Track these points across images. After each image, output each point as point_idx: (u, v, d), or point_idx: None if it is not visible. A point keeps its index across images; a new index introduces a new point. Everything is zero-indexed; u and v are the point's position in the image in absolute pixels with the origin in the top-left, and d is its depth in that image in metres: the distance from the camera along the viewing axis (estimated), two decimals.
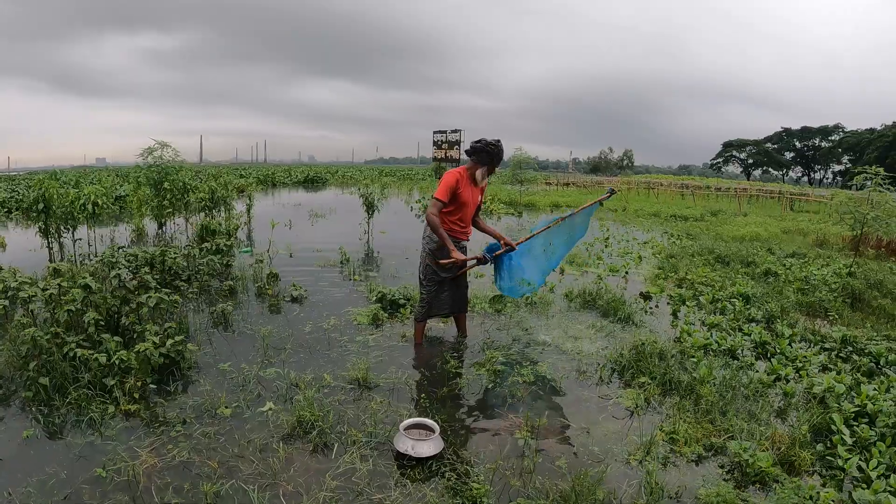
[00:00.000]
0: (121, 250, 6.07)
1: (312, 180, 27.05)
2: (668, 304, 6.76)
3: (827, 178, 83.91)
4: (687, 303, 6.59)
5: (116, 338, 3.81)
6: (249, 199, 13.14)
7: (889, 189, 7.17)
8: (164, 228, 9.73)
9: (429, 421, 3.25)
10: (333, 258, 8.30)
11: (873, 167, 7.26)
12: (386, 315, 5.52)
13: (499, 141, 4.39)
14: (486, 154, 4.38)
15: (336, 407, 3.56)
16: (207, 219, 9.33)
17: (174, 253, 6.14)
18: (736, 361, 4.72)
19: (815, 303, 6.67)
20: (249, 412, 3.45)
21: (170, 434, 3.19)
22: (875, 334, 5.55)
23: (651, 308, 6.49)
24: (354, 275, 7.34)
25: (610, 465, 3.15)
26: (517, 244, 4.63)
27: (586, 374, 4.38)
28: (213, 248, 6.99)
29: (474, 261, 4.58)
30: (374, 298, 5.95)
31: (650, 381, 4.15)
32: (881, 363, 4.82)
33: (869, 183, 7.25)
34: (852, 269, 7.85)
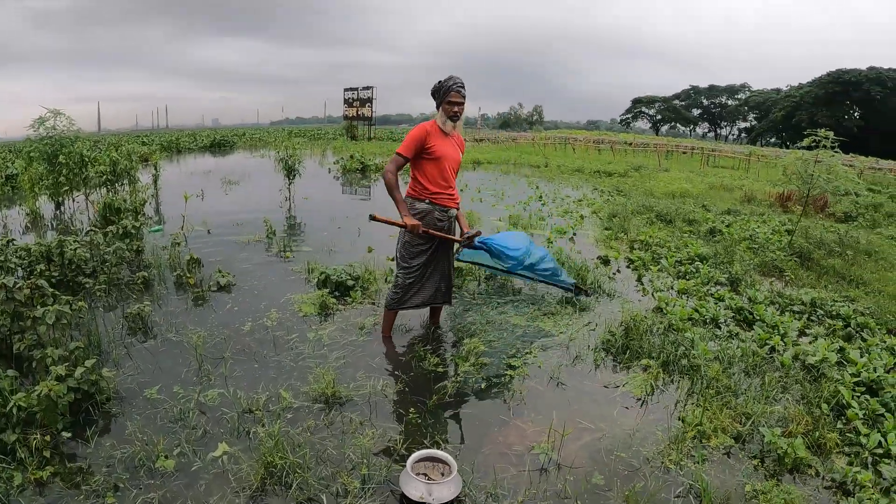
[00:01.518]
0: (11, 244, 4.81)
1: (219, 144, 25.08)
2: (628, 267, 6.56)
3: (733, 135, 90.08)
4: (650, 267, 6.41)
5: (11, 371, 2.87)
6: (155, 168, 11.58)
7: (837, 151, 7.44)
8: (62, 209, 8.28)
9: (440, 454, 2.65)
10: (257, 231, 7.34)
11: (823, 130, 7.52)
12: (334, 301, 4.81)
13: (449, 77, 3.76)
14: (435, 94, 3.76)
15: (309, 440, 2.87)
16: (110, 195, 7.99)
17: (74, 242, 4.99)
18: (719, 331, 4.54)
19: (768, 262, 6.76)
20: (198, 461, 2.66)
21: None
22: (836, 296, 5.62)
23: (614, 274, 6.23)
24: (286, 251, 6.49)
25: (647, 472, 2.75)
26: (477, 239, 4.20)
27: (581, 360, 3.96)
28: (120, 231, 5.86)
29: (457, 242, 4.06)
30: (317, 281, 5.20)
31: (651, 363, 3.81)
32: (851, 325, 4.87)
33: (819, 145, 7.52)
34: (796, 228, 8.09)
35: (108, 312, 4.40)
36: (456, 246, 4.24)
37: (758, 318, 4.85)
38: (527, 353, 4.00)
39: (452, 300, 4.32)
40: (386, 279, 5.45)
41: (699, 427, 3.07)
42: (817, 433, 3.05)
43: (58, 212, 8.13)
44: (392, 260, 5.79)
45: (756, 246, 7.60)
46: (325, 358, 3.77)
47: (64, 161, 8.10)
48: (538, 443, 2.91)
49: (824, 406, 3.33)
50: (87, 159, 8.49)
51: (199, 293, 4.89)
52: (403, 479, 2.44)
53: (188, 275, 5.16)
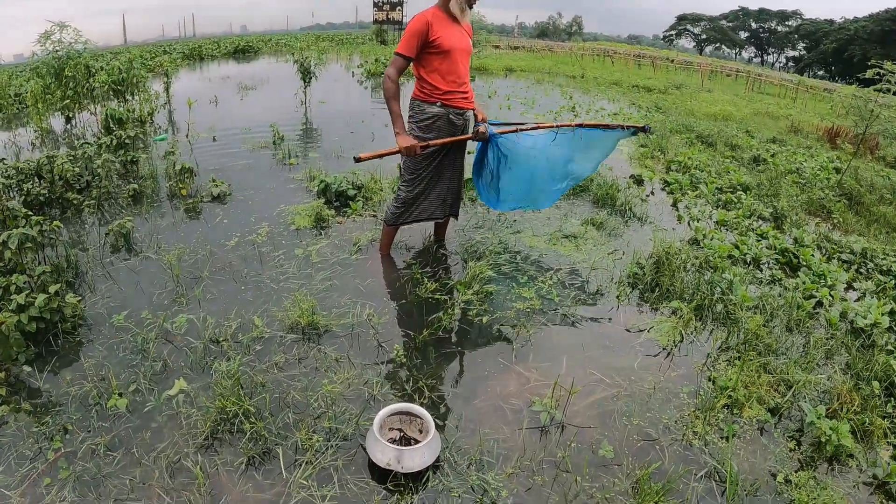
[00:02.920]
0: (1, 162, 4.37)
1: (243, 50, 23.79)
2: (663, 190, 5.86)
3: (780, 63, 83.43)
4: (687, 192, 5.70)
5: None
6: (167, 75, 10.84)
7: None
8: (72, 124, 7.77)
9: (416, 409, 2.15)
10: (265, 138, 6.76)
11: (890, 63, 6.42)
12: (332, 213, 4.28)
13: None
14: None
15: (274, 380, 2.43)
16: (115, 106, 7.42)
17: (65, 157, 4.51)
18: (760, 273, 3.93)
19: (815, 200, 6.00)
20: (152, 400, 2.27)
21: (47, 456, 2.00)
22: (889, 248, 4.89)
23: (647, 196, 5.55)
24: (290, 158, 5.92)
25: (665, 445, 2.27)
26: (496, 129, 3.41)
27: (602, 295, 3.41)
28: (114, 142, 5.33)
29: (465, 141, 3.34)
30: (316, 190, 4.66)
31: (683, 306, 3.25)
32: None
33: (882, 79, 6.49)
34: (847, 168, 7.24)
35: (99, 229, 3.96)
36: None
37: (803, 263, 4.19)
38: (541, 282, 3.46)
39: (459, 214, 3.72)
40: (393, 188, 4.88)
41: (732, 394, 2.56)
42: (864, 416, 2.49)
43: (68, 126, 7.62)
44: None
45: (802, 181, 6.80)
46: (310, 279, 3.29)
47: (70, 74, 7.51)
48: (540, 397, 2.43)
49: (875, 384, 2.72)
50: (93, 70, 7.86)
51: (190, 205, 4.40)
52: (370, 440, 1.99)
53: (180, 185, 4.66)
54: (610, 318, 3.17)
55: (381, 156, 3.17)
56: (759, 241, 4.53)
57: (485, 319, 3.02)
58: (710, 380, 2.70)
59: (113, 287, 3.12)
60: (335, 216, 4.27)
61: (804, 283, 3.79)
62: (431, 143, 3.16)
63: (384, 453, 1.92)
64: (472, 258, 3.68)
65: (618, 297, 3.38)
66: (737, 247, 4.23)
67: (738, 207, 5.35)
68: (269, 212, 4.31)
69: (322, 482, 1.95)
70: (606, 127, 3.45)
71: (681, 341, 3.00)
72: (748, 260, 4.12)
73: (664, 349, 2.94)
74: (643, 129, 3.47)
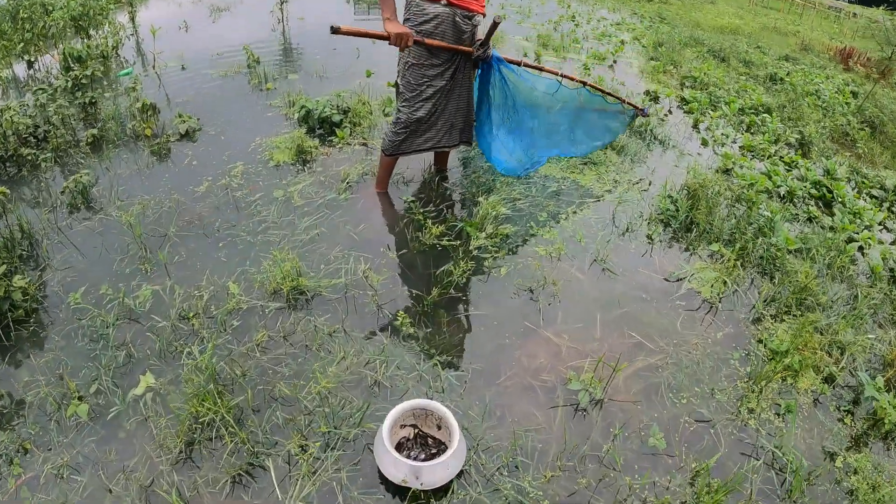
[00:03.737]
0: None
1: None
2: (680, 108, 5.28)
3: None
4: (707, 112, 5.13)
5: None
6: (131, 4, 9.63)
7: None
8: (34, 68, 6.82)
9: (433, 405, 1.72)
10: (239, 62, 5.98)
11: None
12: (315, 143, 3.71)
13: None
14: None
15: (256, 366, 1.99)
16: (78, 44, 6.47)
17: (16, 109, 3.79)
18: (794, 208, 3.49)
19: (838, 127, 5.48)
20: (118, 403, 1.83)
21: (9, 484, 1.59)
22: None
23: (665, 115, 4.98)
24: (267, 82, 5.21)
25: (721, 428, 1.92)
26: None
27: (633, 235, 2.96)
28: (69, 84, 4.55)
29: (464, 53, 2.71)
30: (297, 117, 4.05)
31: (724, 250, 2.82)
32: None
33: None
34: (868, 94, 6.69)
35: (57, 187, 3.36)
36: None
37: (838, 199, 3.74)
38: (563, 219, 3.00)
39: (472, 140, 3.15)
40: (384, 110, 4.28)
41: (786, 360, 2.18)
42: None
43: (30, 72, 6.70)
44: (392, 86, 4.54)
45: (822, 104, 6.23)
46: (293, 228, 2.80)
47: (26, 15, 6.51)
48: (576, 372, 2.04)
49: None
50: (49, 8, 6.84)
51: (155, 146, 3.78)
52: (379, 448, 1.59)
53: (143, 125, 4.00)
54: (644, 265, 2.73)
55: (364, 35, 2.50)
56: (788, 170, 4.06)
57: (503, 271, 2.57)
58: (760, 342, 2.32)
59: (71, 256, 2.60)
60: (319, 147, 3.71)
61: (842, 223, 3.36)
62: (429, 41, 2.56)
63: (398, 468, 1.52)
64: (481, 192, 3.17)
65: (648, 237, 2.94)
66: (769, 177, 3.75)
67: (762, 132, 4.82)
68: (243, 147, 3.71)
69: (323, 502, 1.56)
70: (610, 95, 3.41)
71: (727, 294, 2.59)
72: (782, 194, 3.66)
73: (707, 302, 2.53)
74: (642, 113, 3.57)
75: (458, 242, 2.72)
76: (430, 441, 1.73)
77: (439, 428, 1.73)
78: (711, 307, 2.50)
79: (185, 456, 1.67)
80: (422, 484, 1.51)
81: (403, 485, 1.52)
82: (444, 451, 1.68)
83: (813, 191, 3.75)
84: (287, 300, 2.29)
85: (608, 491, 1.67)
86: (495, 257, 2.63)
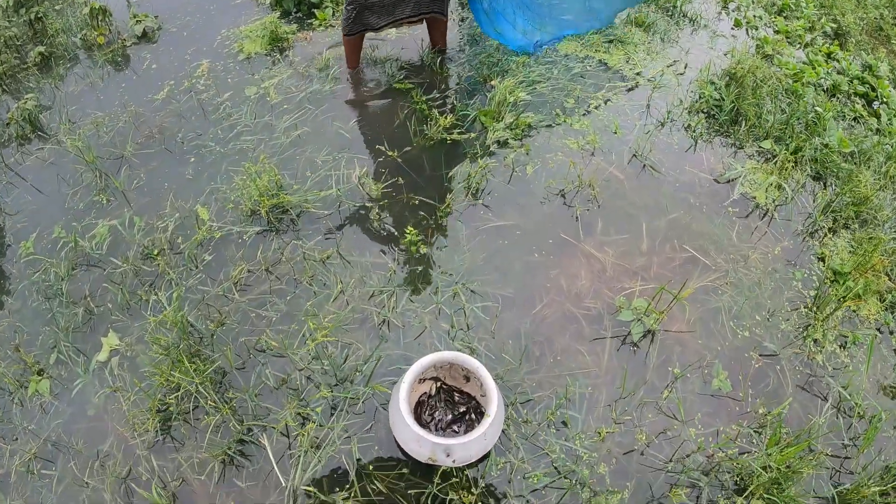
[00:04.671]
0: None
1: None
2: None
3: None
4: None
5: None
6: None
7: None
8: None
9: (463, 358, 1.33)
10: None
11: None
12: (292, 29, 3.10)
13: None
14: None
15: (235, 310, 1.62)
16: None
17: None
18: (838, 104, 2.95)
19: (871, 20, 4.65)
20: (81, 374, 1.52)
21: None
22: None
23: None
24: None
25: (786, 363, 1.60)
26: None
27: (673, 126, 2.45)
28: (10, 1, 3.75)
29: None
30: (269, 1, 3.38)
31: (777, 148, 2.34)
32: None
33: None
34: None
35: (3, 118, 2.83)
36: None
37: (881, 98, 3.16)
38: (592, 106, 2.50)
39: (448, 9, 2.58)
40: None
41: (848, 282, 1.81)
42: None
43: None
44: None
45: None
46: (271, 131, 2.32)
47: None
48: (626, 297, 1.67)
49: None
50: None
51: (110, 55, 3.16)
52: (396, 419, 1.25)
53: (95, 32, 3.33)
54: (689, 163, 2.27)
55: None
56: (827, 61, 3.45)
57: (529, 170, 2.12)
58: (820, 259, 1.94)
59: (22, 196, 2.16)
60: (297, 32, 3.09)
61: (889, 126, 2.83)
62: None
63: (422, 445, 1.20)
64: (494, 74, 2.63)
65: (687, 128, 2.44)
66: (813, 67, 3.16)
67: (797, 17, 4.10)
68: (208, 42, 3.08)
69: (336, 485, 1.27)
70: None
71: (781, 199, 2.16)
72: (826, 88, 3.08)
73: (762, 208, 2.11)
74: None
75: (473, 135, 2.25)
76: (456, 397, 1.41)
77: (467, 380, 1.40)
78: (766, 214, 2.09)
79: (162, 436, 1.37)
80: (454, 462, 1.20)
81: (430, 463, 1.22)
82: (474, 408, 1.37)
83: (859, 87, 3.20)
84: (268, 222, 1.87)
85: (670, 446, 1.37)
86: (517, 152, 2.18)
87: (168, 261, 1.75)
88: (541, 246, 1.84)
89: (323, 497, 1.25)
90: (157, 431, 1.38)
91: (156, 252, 1.77)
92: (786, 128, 2.46)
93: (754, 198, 2.14)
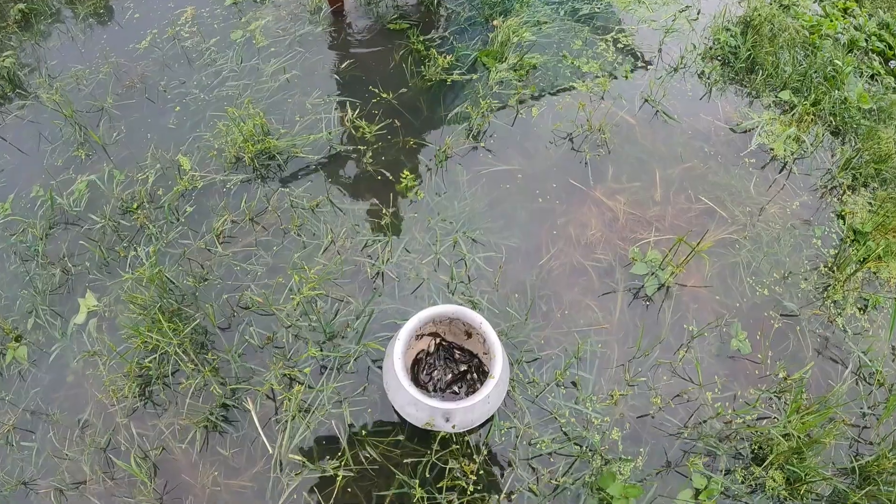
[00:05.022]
0: None
1: None
2: None
3: None
4: None
5: None
6: None
7: None
8: None
9: (464, 311, 1.21)
10: None
11: None
12: None
13: None
14: None
15: (219, 264, 1.50)
16: None
17: None
18: (855, 59, 2.74)
19: None
20: (59, 338, 1.43)
21: None
22: None
23: None
24: None
25: (805, 324, 1.48)
26: None
27: (685, 69, 2.27)
28: None
29: None
30: None
31: (795, 99, 2.16)
32: None
33: None
34: None
35: None
36: None
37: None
38: (599, 48, 2.31)
39: None
40: None
41: (869, 242, 1.68)
42: None
43: None
44: None
45: None
46: (258, 75, 2.15)
47: None
48: (640, 248, 1.54)
49: None
50: None
51: (91, 7, 2.95)
52: (391, 380, 1.14)
53: None
54: (704, 110, 2.11)
55: None
56: (844, 17, 3.20)
57: (534, 112, 1.96)
58: (839, 216, 1.80)
59: (0, 156, 2.04)
60: None
61: None
62: None
63: (419, 409, 1.09)
64: (495, 13, 2.43)
65: (700, 75, 2.25)
66: (830, 20, 2.92)
67: None
68: None
69: (326, 452, 1.18)
70: None
71: (801, 152, 2.00)
72: (843, 43, 2.86)
73: (780, 161, 1.95)
74: None
75: (475, 76, 2.08)
76: (457, 354, 1.30)
77: (469, 336, 1.29)
78: (784, 167, 1.93)
79: (142, 402, 1.28)
80: (454, 427, 1.10)
81: (428, 429, 1.11)
82: (476, 367, 1.26)
83: (877, 43, 2.96)
84: (253, 169, 1.73)
85: (685, 410, 1.27)
86: (521, 95, 2.01)
87: (148, 214, 1.61)
88: (547, 192, 1.70)
89: (312, 466, 1.16)
90: (136, 397, 1.28)
91: (135, 205, 1.64)
92: (804, 79, 2.28)
93: (772, 149, 1.99)
